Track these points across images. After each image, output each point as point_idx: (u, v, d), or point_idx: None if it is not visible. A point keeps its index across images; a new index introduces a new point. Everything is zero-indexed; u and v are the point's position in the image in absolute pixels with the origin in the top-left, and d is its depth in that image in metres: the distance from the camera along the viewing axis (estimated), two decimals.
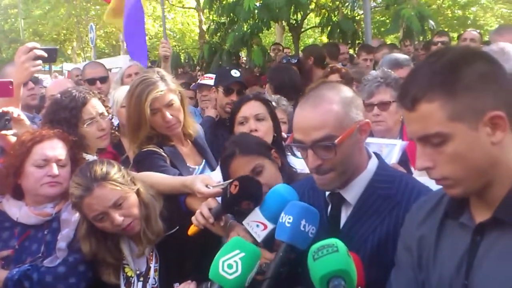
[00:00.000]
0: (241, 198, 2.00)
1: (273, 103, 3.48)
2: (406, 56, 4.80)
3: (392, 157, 2.89)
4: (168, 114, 2.78)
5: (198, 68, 9.46)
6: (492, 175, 1.40)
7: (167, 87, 2.80)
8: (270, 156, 2.47)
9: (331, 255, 1.54)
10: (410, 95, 1.41)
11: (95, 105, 3.05)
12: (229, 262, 1.68)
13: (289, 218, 1.78)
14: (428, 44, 7.31)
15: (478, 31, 6.75)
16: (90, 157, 2.93)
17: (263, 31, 8.92)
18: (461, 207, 1.51)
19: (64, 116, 2.94)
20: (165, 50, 4.91)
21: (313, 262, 1.56)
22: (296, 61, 6.44)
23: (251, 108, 2.97)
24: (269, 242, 1.94)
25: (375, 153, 2.02)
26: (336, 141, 1.77)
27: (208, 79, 5.12)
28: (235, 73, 4.19)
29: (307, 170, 1.98)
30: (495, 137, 1.36)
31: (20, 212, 2.62)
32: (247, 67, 8.84)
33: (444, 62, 1.39)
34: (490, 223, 1.41)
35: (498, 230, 1.40)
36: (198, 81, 5.43)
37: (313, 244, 1.63)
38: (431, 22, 8.15)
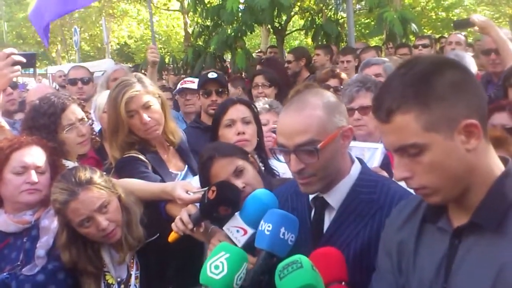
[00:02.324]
0: (219, 203, 1.99)
1: (267, 106, 3.51)
2: (382, 59, 4.87)
3: (374, 161, 2.91)
4: (145, 116, 2.76)
5: (182, 71, 9.42)
6: (469, 181, 1.41)
7: (143, 89, 2.80)
8: (248, 159, 2.47)
9: (296, 272, 1.58)
10: (384, 107, 1.42)
11: (74, 111, 3.02)
12: (215, 264, 1.73)
13: (269, 226, 1.79)
14: (400, 46, 7.37)
15: (464, 33, 6.78)
16: (70, 164, 2.90)
17: (247, 34, 8.94)
18: (439, 212, 1.52)
19: (43, 122, 2.91)
20: (154, 56, 4.90)
21: (279, 281, 1.61)
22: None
23: (238, 111, 2.96)
24: (251, 247, 1.93)
25: (358, 158, 2.03)
26: (318, 146, 1.78)
27: (190, 83, 5.11)
28: (211, 74, 4.25)
29: (289, 174, 1.98)
30: (470, 145, 1.38)
31: None
32: (230, 71, 8.86)
33: (416, 73, 1.40)
34: (468, 227, 1.43)
35: (475, 234, 1.41)
36: (179, 85, 5.39)
37: (292, 252, 1.64)
38: (414, 25, 8.21)
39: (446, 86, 1.37)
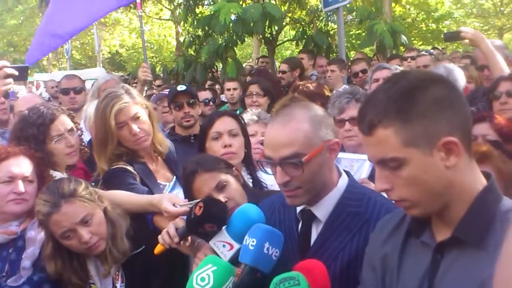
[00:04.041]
0: (205, 221, 1.98)
1: (254, 117, 3.50)
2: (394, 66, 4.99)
3: (363, 172, 2.93)
4: (135, 127, 2.76)
5: (173, 81, 9.42)
6: (449, 197, 1.43)
7: (132, 100, 2.80)
8: (232, 172, 2.47)
9: None
10: (367, 120, 1.44)
11: (63, 122, 3.01)
12: (202, 276, 1.74)
13: (253, 241, 1.79)
14: (392, 57, 7.43)
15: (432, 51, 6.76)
16: (58, 174, 2.89)
17: (238, 45, 8.97)
18: (422, 226, 1.53)
19: (31, 132, 2.90)
20: (145, 75, 4.92)
21: None
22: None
23: (224, 124, 2.95)
24: (237, 262, 1.93)
25: (345, 171, 2.04)
26: (303, 159, 1.79)
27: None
28: (180, 87, 4.27)
29: (277, 186, 1.99)
30: (449, 162, 1.39)
31: None
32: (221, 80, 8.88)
33: (400, 88, 1.41)
34: (450, 242, 1.44)
35: (457, 249, 1.42)
36: (159, 92, 5.37)
37: (279, 265, 1.65)
38: (404, 37, 8.30)
39: (429, 102, 1.38)
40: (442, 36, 6.98)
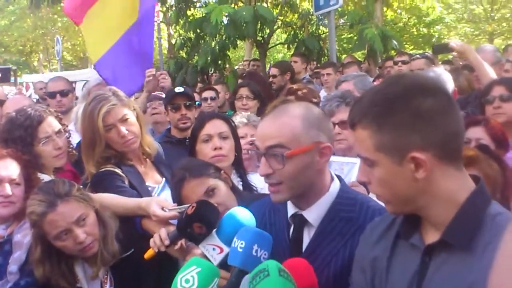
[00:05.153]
0: (194, 220, 1.97)
1: (244, 120, 3.50)
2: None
3: (353, 175, 2.93)
4: (123, 129, 2.75)
5: None
6: (425, 202, 1.44)
7: (119, 102, 2.79)
8: (220, 176, 2.47)
9: (263, 281, 1.59)
10: (351, 117, 1.50)
11: (51, 124, 2.99)
12: (186, 277, 1.72)
13: (241, 243, 1.78)
14: (387, 59, 7.47)
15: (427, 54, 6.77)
16: (46, 177, 2.87)
17: (230, 49, 9.00)
18: (412, 228, 1.53)
19: (19, 134, 2.87)
20: (165, 82, 4.73)
21: None
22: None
23: (215, 126, 2.94)
24: (227, 266, 1.92)
25: (337, 175, 2.03)
26: (286, 153, 1.79)
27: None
28: (178, 89, 4.22)
29: (267, 189, 1.98)
30: (419, 174, 1.40)
31: None
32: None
33: (386, 94, 1.43)
34: (438, 245, 1.44)
35: (446, 252, 1.43)
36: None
37: None
38: (394, 41, 8.35)
39: (407, 114, 1.39)
40: (431, 46, 7.02)
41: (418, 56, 6.41)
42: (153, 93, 4.95)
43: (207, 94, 6.18)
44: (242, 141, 3.20)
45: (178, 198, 2.40)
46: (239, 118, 3.52)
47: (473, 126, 2.99)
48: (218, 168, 2.53)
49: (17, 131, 2.89)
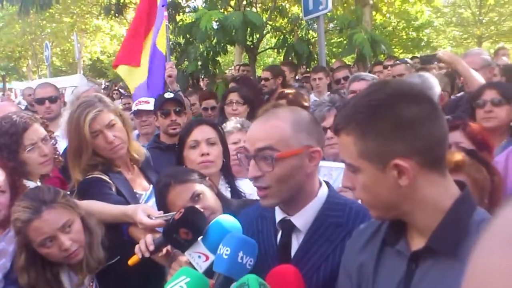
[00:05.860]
0: (181, 225, 1.96)
1: (238, 125, 3.48)
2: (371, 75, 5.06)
3: (341, 181, 2.92)
4: (110, 135, 2.73)
5: None
6: (409, 208, 1.44)
7: (105, 108, 2.77)
8: (205, 182, 2.45)
9: None
10: (335, 123, 1.51)
11: (37, 130, 2.96)
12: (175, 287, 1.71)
13: (227, 250, 1.77)
14: (376, 64, 7.51)
15: (406, 60, 6.82)
16: (32, 184, 2.84)
17: (220, 55, 8.99)
18: (398, 235, 1.53)
19: (4, 142, 2.84)
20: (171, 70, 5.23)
21: None
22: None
23: (202, 132, 2.93)
24: (212, 274, 1.91)
25: (325, 181, 2.03)
26: (275, 155, 1.78)
27: (145, 103, 4.98)
28: (168, 94, 4.23)
29: (256, 195, 1.97)
30: (402, 181, 1.40)
31: None
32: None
33: (369, 101, 1.43)
34: (424, 251, 1.44)
35: (431, 259, 1.42)
36: (134, 106, 5.24)
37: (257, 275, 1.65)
38: (383, 46, 8.39)
39: (390, 122, 1.39)
40: (419, 57, 7.08)
41: (398, 62, 6.44)
42: (139, 107, 4.93)
43: (207, 104, 6.09)
44: (236, 147, 3.18)
45: (163, 204, 2.38)
46: (232, 124, 3.50)
47: (452, 131, 2.99)
48: (203, 174, 2.52)
49: (2, 138, 2.86)
